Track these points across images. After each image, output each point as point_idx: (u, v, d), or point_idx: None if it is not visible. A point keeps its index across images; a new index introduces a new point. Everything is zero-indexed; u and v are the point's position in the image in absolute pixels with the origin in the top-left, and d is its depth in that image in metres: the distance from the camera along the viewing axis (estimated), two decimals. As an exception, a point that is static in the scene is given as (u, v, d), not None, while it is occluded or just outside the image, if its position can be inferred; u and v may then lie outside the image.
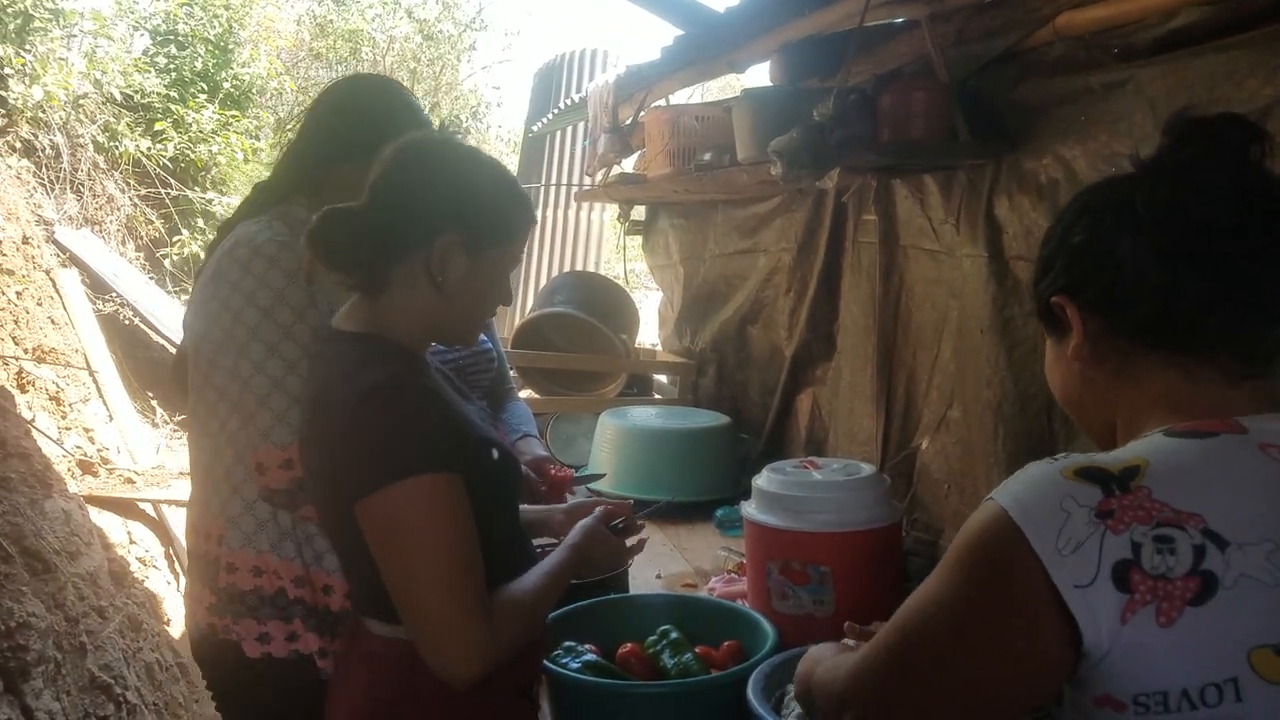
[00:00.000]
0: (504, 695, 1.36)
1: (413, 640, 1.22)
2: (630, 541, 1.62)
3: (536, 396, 3.63)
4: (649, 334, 4.63)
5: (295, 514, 1.57)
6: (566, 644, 1.68)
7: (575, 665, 1.61)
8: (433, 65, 12.08)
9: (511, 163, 8.23)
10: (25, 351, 4.00)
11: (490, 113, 12.88)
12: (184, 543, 3.75)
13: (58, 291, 4.57)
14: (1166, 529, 0.77)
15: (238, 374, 1.52)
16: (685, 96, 3.20)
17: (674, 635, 1.73)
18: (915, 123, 2.00)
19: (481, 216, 1.30)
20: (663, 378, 4.01)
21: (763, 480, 1.89)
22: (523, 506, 1.92)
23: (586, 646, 1.70)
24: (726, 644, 1.75)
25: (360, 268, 1.29)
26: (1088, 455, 0.84)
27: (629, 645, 1.72)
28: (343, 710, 1.36)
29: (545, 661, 1.56)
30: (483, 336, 2.33)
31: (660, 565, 2.51)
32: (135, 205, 6.78)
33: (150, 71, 7.29)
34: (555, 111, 4.52)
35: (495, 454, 1.33)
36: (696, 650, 1.71)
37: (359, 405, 1.20)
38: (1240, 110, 1.32)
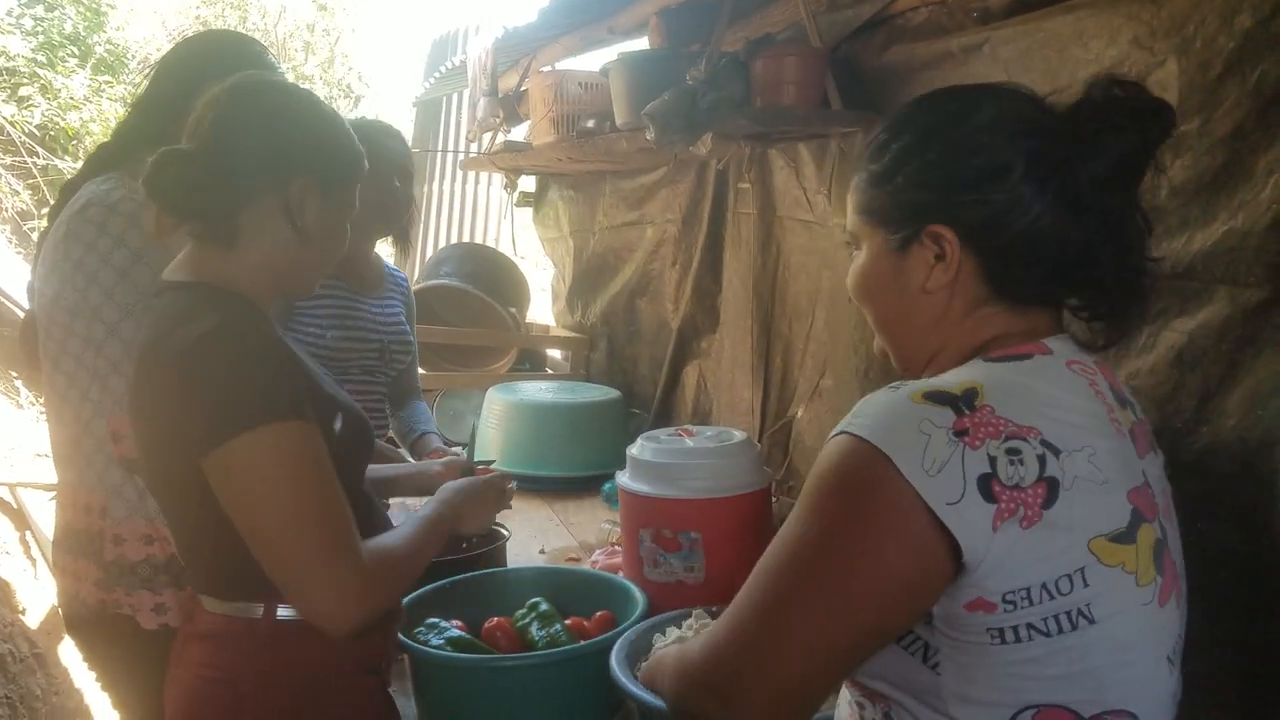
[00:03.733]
0: (349, 671, 1.30)
1: (286, 594, 1.16)
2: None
3: (424, 372, 3.53)
4: (544, 309, 4.57)
5: None
6: (430, 621, 1.62)
7: (437, 642, 1.56)
8: (327, 35, 11.71)
9: (406, 133, 8.02)
10: None
11: (384, 83, 12.57)
12: (43, 523, 3.55)
13: (-108, 265, 4.24)
14: (1014, 441, 0.82)
15: (92, 339, 1.48)
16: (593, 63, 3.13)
17: (543, 607, 1.69)
18: (787, 89, 1.99)
19: (331, 156, 1.28)
20: (557, 353, 3.96)
21: (636, 449, 1.87)
22: (396, 465, 1.90)
23: (453, 623, 1.65)
24: (599, 614, 1.72)
25: (205, 214, 1.22)
26: (922, 380, 0.87)
27: (495, 620, 1.68)
28: (178, 691, 1.28)
29: (404, 638, 1.51)
30: (405, 325, 2.24)
31: (544, 540, 2.49)
32: (-2, 175, 6.36)
33: (15, 33, 6.82)
34: (439, 74, 4.38)
35: (340, 417, 1.27)
36: (568, 622, 1.68)
37: (192, 353, 1.12)
38: (1085, 71, 1.35)
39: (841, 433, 0.85)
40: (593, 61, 3.28)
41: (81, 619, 1.58)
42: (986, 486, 0.80)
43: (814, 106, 2.01)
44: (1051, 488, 0.81)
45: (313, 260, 1.31)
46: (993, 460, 0.80)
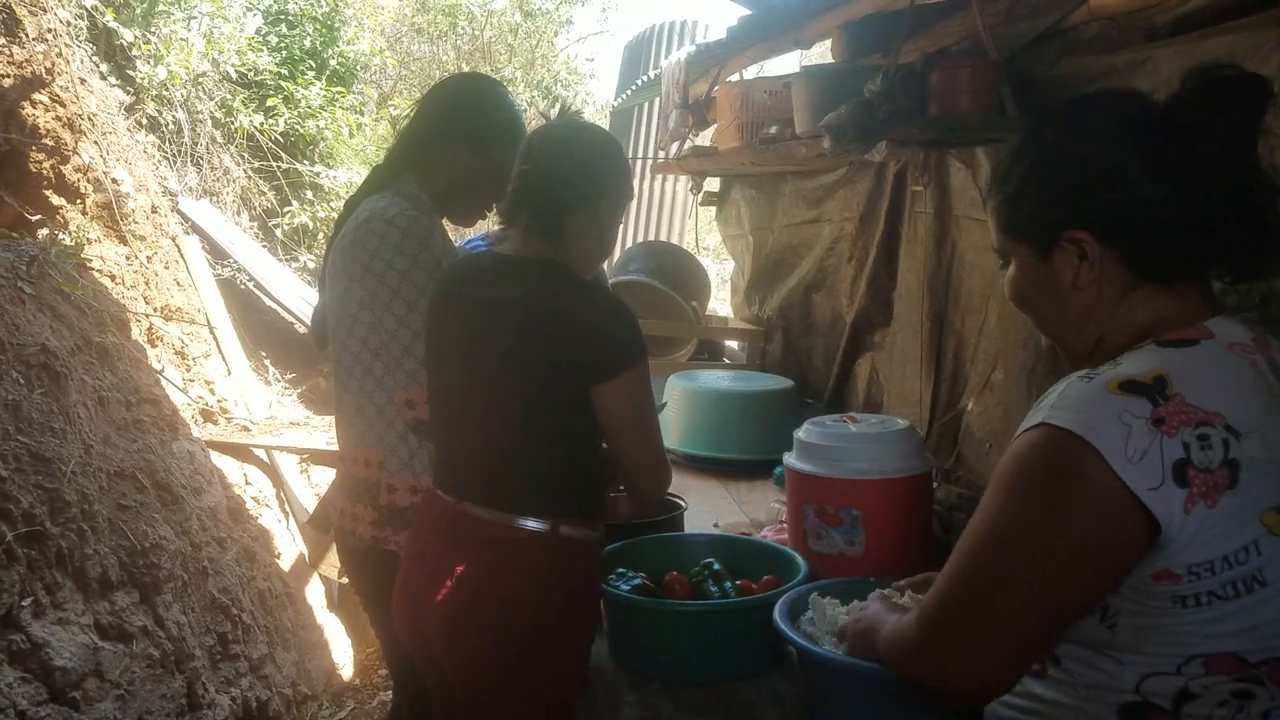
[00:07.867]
0: (593, 581, 1.70)
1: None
2: None
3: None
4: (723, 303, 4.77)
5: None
6: (619, 570, 1.88)
7: (625, 587, 1.81)
8: (529, 38, 12.28)
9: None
10: (155, 310, 4.39)
11: (583, 84, 13.07)
12: (291, 483, 4.10)
13: (182, 256, 4.98)
14: (1204, 428, 0.92)
15: (382, 327, 1.77)
16: (753, 71, 3.32)
17: (716, 567, 1.89)
18: (962, 98, 2.10)
19: (626, 181, 1.69)
20: (734, 344, 4.16)
21: (803, 432, 2.05)
22: None
23: (639, 574, 1.89)
24: (765, 578, 1.91)
25: (537, 214, 1.61)
26: (1113, 369, 0.96)
27: (673, 574, 1.91)
28: (468, 581, 1.57)
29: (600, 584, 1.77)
30: None
31: (719, 516, 2.68)
32: (249, 177, 7.12)
33: (263, 50, 7.56)
34: (634, 87, 4.67)
35: None
36: (738, 582, 1.88)
37: (604, 308, 1.55)
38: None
39: (1043, 424, 0.94)
40: (776, 66, 3.47)
41: (356, 552, 1.91)
42: (1181, 471, 0.90)
43: (987, 114, 2.11)
44: (1233, 470, 0.91)
45: (599, 261, 1.71)
46: (1187, 446, 0.91)
